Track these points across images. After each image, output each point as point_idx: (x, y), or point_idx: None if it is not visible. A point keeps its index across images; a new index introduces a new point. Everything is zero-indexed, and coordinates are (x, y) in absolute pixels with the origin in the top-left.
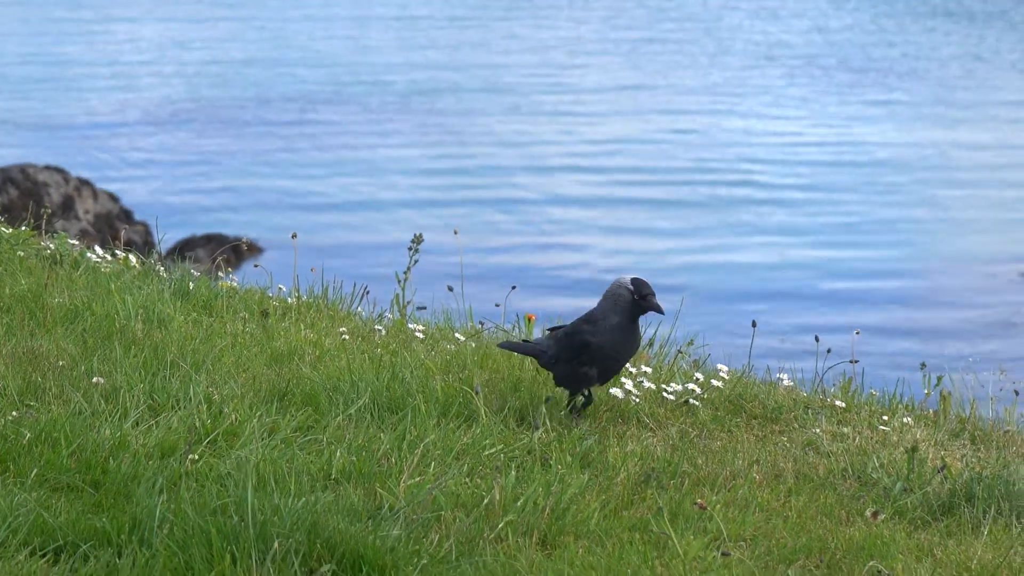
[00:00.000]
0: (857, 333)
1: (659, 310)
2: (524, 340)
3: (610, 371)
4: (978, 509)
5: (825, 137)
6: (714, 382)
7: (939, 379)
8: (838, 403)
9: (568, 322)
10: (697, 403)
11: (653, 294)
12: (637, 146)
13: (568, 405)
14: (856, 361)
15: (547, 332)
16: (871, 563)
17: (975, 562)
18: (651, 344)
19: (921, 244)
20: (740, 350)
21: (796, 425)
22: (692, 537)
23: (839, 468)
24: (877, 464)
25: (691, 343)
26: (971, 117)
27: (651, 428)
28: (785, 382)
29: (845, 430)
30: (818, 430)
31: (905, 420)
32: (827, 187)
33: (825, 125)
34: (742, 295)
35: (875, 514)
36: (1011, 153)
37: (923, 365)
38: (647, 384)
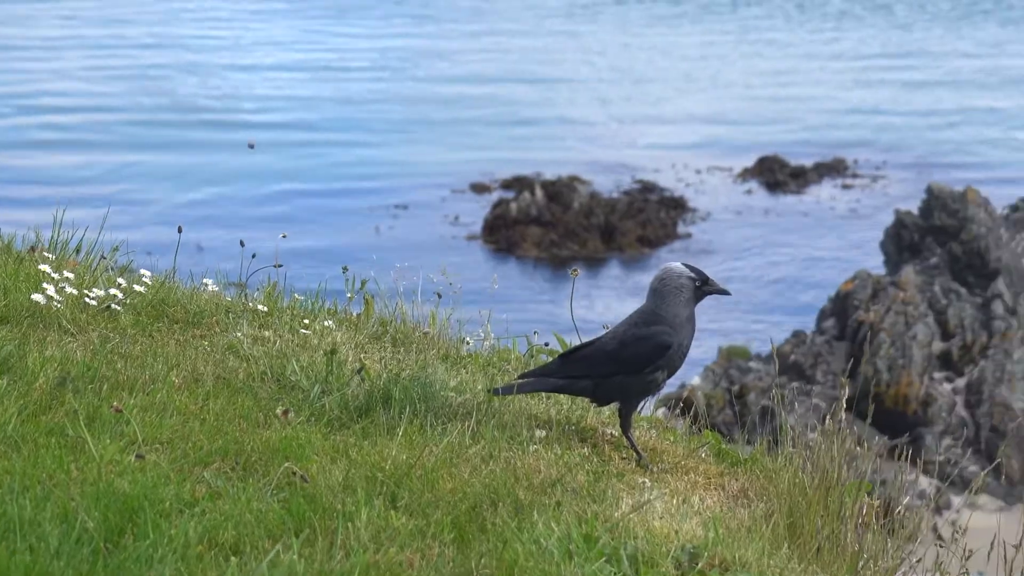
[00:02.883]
0: (284, 236)
1: (726, 291)
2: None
3: (675, 372)
4: (395, 410)
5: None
6: (137, 287)
7: (363, 283)
8: (260, 307)
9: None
10: (119, 308)
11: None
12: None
13: (628, 430)
14: (280, 265)
15: (555, 357)
16: (286, 464)
17: (389, 462)
18: (78, 250)
19: (383, 155)
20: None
21: (218, 329)
22: (108, 440)
23: (259, 371)
24: (296, 367)
25: (116, 249)
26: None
27: (72, 333)
28: (210, 287)
29: (267, 334)
30: (239, 334)
31: (327, 323)
32: (305, 104)
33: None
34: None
35: (285, 412)
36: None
37: (345, 269)
38: (69, 290)
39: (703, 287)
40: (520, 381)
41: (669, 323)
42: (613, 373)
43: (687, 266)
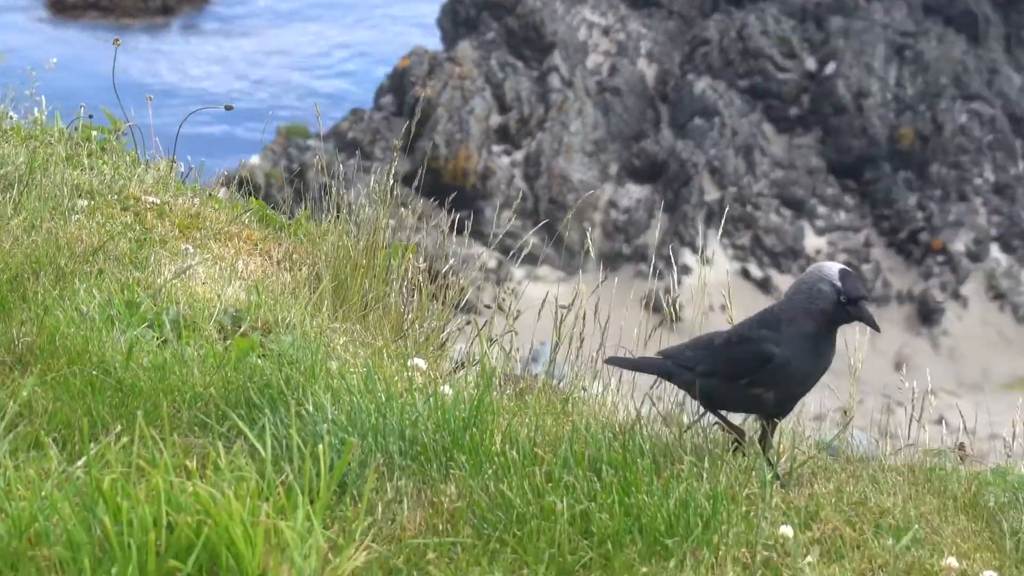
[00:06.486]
0: None
1: (874, 326)
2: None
3: (792, 398)
4: None
5: None
6: None
7: None
8: None
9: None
10: None
11: (866, 297)
12: None
13: (732, 439)
14: None
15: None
16: None
17: None
18: None
19: None
20: None
21: None
22: None
23: None
24: None
25: None
26: None
27: None
28: None
29: None
30: None
31: None
32: None
33: None
34: None
35: None
36: None
37: None
38: None
39: (848, 307)
40: (636, 358)
41: (781, 331)
42: (710, 373)
43: (843, 273)
